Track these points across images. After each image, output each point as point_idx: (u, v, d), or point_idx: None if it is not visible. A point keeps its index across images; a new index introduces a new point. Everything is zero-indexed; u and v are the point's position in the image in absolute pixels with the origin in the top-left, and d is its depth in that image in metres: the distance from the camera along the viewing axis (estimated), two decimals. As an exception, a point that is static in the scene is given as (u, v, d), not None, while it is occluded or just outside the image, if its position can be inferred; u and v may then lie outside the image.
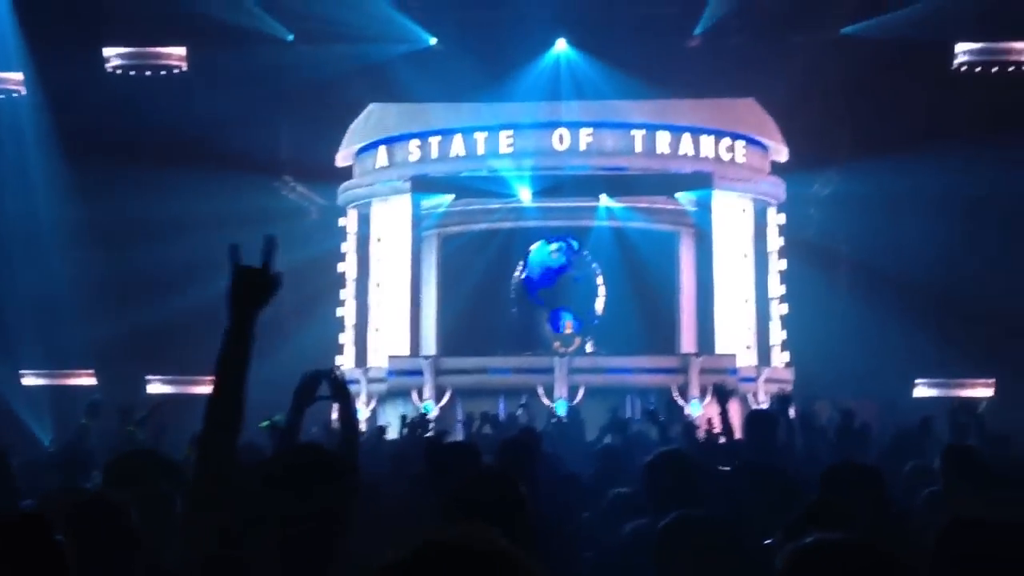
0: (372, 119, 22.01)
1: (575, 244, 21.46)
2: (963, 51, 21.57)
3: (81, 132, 20.37)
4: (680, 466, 4.52)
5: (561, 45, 21.45)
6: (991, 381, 20.88)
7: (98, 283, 21.17)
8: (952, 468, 5.17)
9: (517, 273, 21.84)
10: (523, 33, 20.00)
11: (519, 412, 15.02)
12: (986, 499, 4.78)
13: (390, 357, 20.34)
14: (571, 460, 8.54)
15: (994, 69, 21.59)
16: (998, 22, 20.59)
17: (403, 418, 11.26)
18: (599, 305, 21.38)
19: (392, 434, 11.59)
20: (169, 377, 22.16)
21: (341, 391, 5.14)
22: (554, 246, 21.53)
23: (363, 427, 17.08)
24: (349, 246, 22.44)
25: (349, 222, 22.51)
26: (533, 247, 21.55)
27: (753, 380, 19.83)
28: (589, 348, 21.07)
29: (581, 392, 18.47)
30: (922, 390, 21.09)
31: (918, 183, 20.16)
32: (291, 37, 21.34)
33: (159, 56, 21.85)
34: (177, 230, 20.81)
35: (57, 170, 21.23)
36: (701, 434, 10.29)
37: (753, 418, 7.47)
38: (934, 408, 13.46)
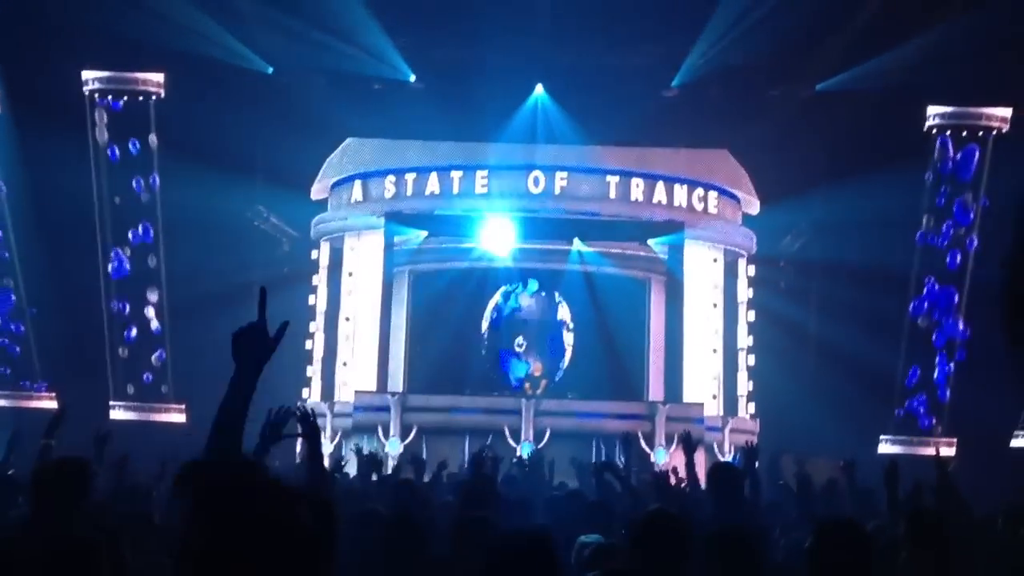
0: (348, 153, 22.06)
1: (533, 285, 21.38)
2: (934, 114, 21.95)
3: (52, 149, 20.30)
4: (674, 527, 4.50)
5: (539, 90, 21.64)
6: (953, 440, 21.02)
7: (56, 297, 21.02)
8: (916, 533, 5.15)
9: (487, 313, 21.82)
10: (502, 77, 20.15)
11: (485, 452, 14.94)
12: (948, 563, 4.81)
13: (356, 392, 20.23)
14: (534, 504, 8.51)
15: (963, 133, 21.97)
16: (969, 86, 20.97)
17: (358, 450, 11.03)
18: (567, 348, 21.37)
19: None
20: (132, 403, 21.91)
21: (310, 428, 5.13)
22: (501, 291, 21.44)
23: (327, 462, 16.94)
24: (320, 279, 22.38)
25: (321, 255, 22.47)
26: (500, 291, 21.55)
27: (719, 430, 19.88)
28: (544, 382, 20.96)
29: (547, 435, 18.43)
30: (885, 447, 21.19)
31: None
32: (271, 70, 21.39)
33: (137, 81, 21.86)
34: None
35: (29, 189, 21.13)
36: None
37: (718, 471, 7.44)
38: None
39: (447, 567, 4.91)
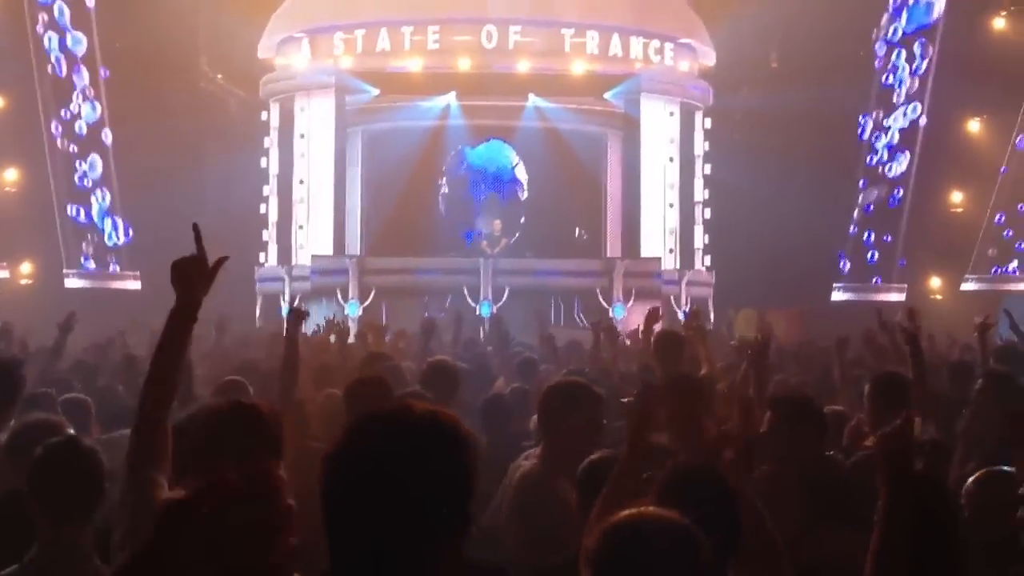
0: (295, 8, 21.31)
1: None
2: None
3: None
4: (577, 394, 4.05)
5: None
6: (903, 286, 21.37)
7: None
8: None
9: (443, 171, 21.60)
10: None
11: (441, 315, 15.00)
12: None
13: (313, 256, 20.10)
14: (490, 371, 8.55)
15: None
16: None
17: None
18: (523, 206, 21.26)
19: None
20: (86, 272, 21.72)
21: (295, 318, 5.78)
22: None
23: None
24: (271, 141, 21.92)
25: (271, 116, 21.95)
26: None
27: (676, 283, 20.04)
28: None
29: (506, 294, 18.49)
30: (838, 295, 21.53)
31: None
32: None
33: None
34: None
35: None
36: (623, 341, 10.41)
37: (661, 339, 7.21)
38: (849, 313, 13.76)
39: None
